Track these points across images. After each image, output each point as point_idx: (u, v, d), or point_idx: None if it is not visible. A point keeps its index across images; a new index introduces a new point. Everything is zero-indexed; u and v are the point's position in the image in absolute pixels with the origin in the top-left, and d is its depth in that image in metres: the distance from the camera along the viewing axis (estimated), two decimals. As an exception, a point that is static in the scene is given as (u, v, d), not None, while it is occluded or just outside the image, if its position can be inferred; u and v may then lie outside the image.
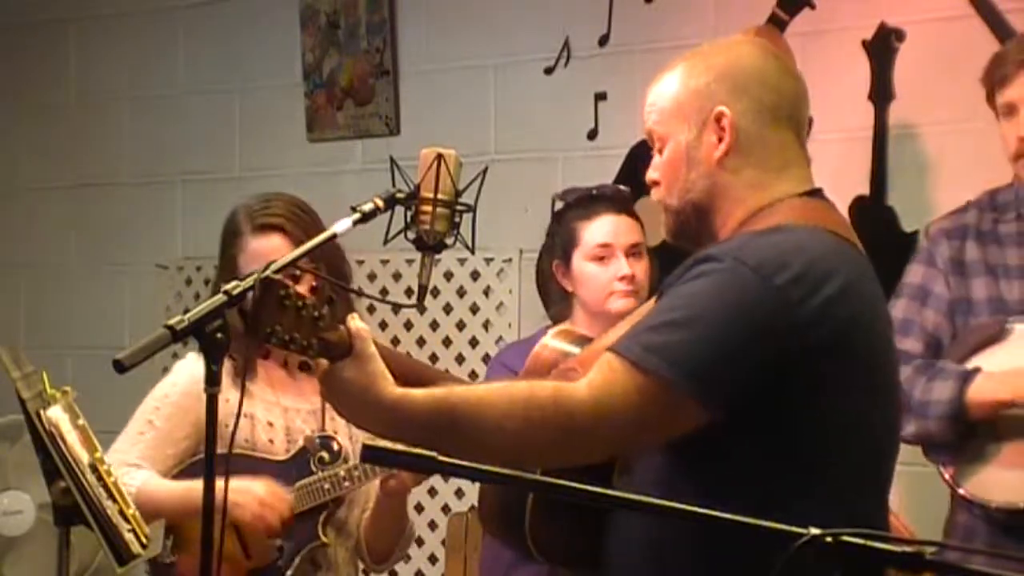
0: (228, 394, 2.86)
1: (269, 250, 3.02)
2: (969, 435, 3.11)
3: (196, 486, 2.86)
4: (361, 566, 3.27)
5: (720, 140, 2.19)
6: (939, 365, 3.15)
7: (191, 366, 3.17)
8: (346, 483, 3.06)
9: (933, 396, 3.09)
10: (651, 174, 2.27)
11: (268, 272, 2.27)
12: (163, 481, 3.08)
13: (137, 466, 3.09)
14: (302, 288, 2.96)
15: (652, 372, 2.03)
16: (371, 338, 2.15)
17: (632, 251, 3.35)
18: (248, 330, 2.13)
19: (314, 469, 3.09)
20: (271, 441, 3.13)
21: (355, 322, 2.16)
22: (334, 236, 2.38)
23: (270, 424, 3.16)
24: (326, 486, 3.07)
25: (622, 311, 3.26)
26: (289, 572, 3.07)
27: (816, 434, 2.08)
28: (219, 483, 2.78)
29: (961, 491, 3.11)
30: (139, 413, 3.19)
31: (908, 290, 3.24)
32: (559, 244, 3.43)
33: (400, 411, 2.09)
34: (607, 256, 3.33)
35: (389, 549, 3.20)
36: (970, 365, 3.13)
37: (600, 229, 3.35)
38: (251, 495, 2.97)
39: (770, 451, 2.06)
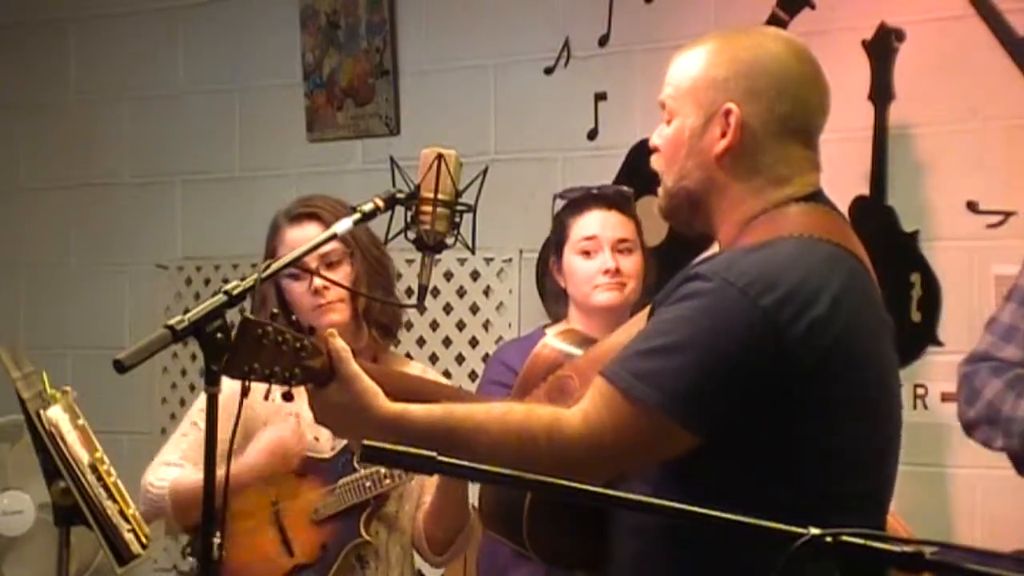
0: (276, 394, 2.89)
1: (305, 237, 3.02)
2: None
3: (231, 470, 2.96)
4: (419, 560, 3.25)
5: (723, 135, 2.18)
6: None
7: None
8: (387, 480, 3.06)
9: (1019, 413, 2.94)
10: (654, 140, 2.27)
11: (266, 273, 2.28)
12: (196, 472, 3.08)
13: (177, 465, 3.10)
14: (338, 274, 3.02)
15: (641, 401, 2.05)
16: (350, 356, 2.16)
17: (619, 246, 3.36)
18: (226, 370, 2.14)
19: (356, 467, 3.09)
20: (316, 439, 3.13)
21: (335, 340, 2.16)
22: (334, 236, 2.38)
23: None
24: (367, 484, 3.07)
25: (605, 304, 3.31)
26: (333, 569, 3.06)
27: (806, 452, 2.08)
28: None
29: None
30: (186, 417, 3.22)
31: (1019, 294, 3.03)
32: (553, 240, 3.47)
33: (399, 427, 2.10)
34: (592, 250, 3.35)
35: (450, 539, 3.18)
36: None
37: (587, 223, 3.38)
38: (274, 443, 3.02)
39: (759, 470, 2.06)
